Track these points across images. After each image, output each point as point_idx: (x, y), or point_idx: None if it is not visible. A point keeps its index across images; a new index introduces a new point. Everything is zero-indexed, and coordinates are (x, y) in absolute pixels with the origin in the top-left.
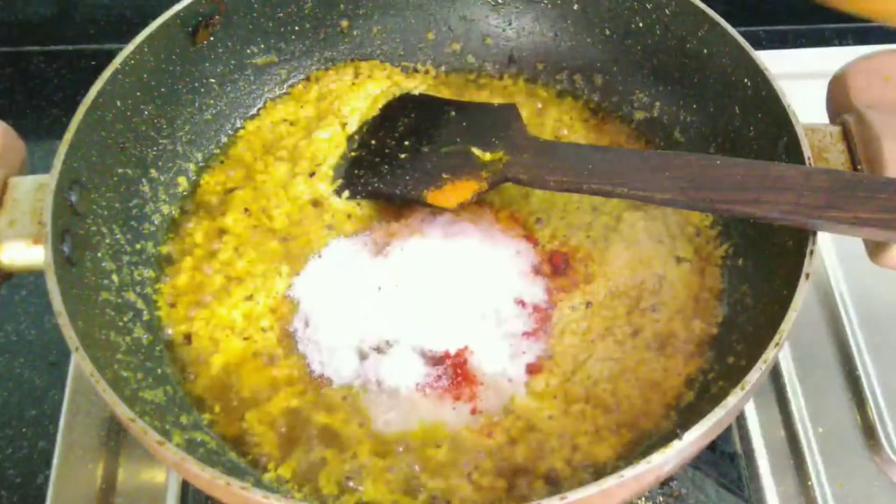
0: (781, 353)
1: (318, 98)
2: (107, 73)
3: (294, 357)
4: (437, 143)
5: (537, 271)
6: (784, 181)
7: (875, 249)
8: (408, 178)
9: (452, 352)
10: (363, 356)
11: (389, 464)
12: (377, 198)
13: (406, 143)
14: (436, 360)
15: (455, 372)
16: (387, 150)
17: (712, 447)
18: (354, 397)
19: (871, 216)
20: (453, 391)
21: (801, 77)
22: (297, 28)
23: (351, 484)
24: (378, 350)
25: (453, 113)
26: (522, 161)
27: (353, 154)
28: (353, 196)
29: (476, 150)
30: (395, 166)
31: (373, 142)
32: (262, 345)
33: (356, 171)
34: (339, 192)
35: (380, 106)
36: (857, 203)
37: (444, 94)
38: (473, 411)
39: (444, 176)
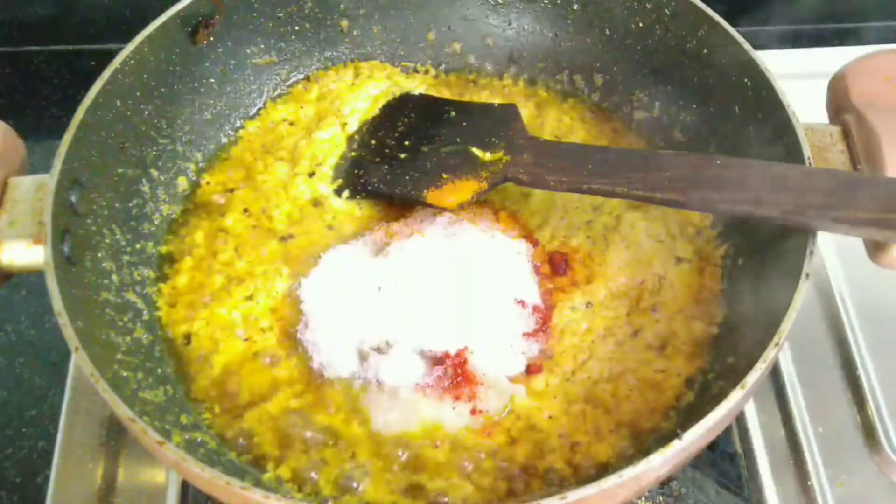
0: (781, 353)
1: (318, 98)
2: (107, 74)
3: (295, 358)
4: (437, 143)
5: (537, 271)
6: (784, 181)
7: (875, 249)
8: (407, 177)
9: (452, 352)
10: (363, 357)
11: (389, 464)
12: (377, 197)
13: (406, 142)
14: (436, 360)
15: (455, 372)
16: (387, 150)
17: (712, 447)
18: (354, 398)
19: (870, 216)
20: (453, 391)
21: (801, 77)
22: (297, 28)
23: (351, 484)
24: (378, 350)
25: (453, 113)
26: (522, 161)
27: (352, 154)
28: (353, 196)
29: (476, 151)
30: (395, 166)
31: (373, 142)
32: (263, 345)
33: (356, 171)
34: (339, 192)
35: (380, 106)
36: (857, 203)
37: (444, 94)
38: (473, 411)
39: (444, 176)
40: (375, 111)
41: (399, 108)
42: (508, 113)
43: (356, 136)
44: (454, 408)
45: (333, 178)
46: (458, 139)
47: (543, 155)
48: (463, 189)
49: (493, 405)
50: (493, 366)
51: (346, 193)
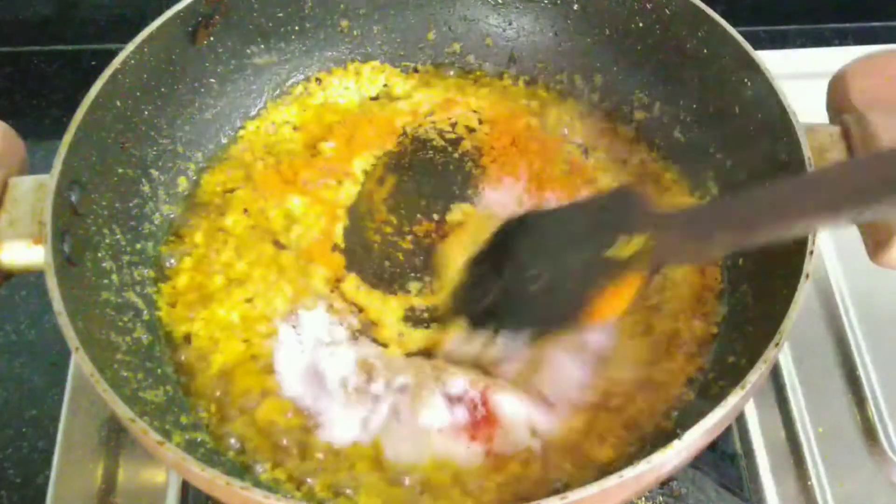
0: (781, 352)
1: (321, 104)
2: (107, 73)
3: None
4: (563, 261)
5: None
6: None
7: (875, 249)
8: (552, 308)
9: (474, 391)
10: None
11: (391, 485)
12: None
13: (526, 272)
14: (457, 398)
15: (476, 410)
16: (515, 289)
17: (712, 447)
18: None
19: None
20: (471, 431)
21: (801, 77)
22: (297, 28)
23: (346, 491)
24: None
25: (562, 220)
26: (672, 238)
27: (480, 308)
28: (511, 337)
29: (611, 252)
30: (529, 302)
31: (491, 285)
32: (260, 349)
33: (498, 317)
34: (493, 338)
35: (486, 239)
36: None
37: (443, 93)
38: (488, 453)
39: (589, 292)
40: (480, 248)
41: (506, 236)
42: (627, 199)
43: (468, 280)
44: (468, 447)
45: (454, 313)
46: (583, 249)
47: (690, 224)
48: (619, 294)
49: (509, 449)
50: (515, 409)
51: (500, 340)
